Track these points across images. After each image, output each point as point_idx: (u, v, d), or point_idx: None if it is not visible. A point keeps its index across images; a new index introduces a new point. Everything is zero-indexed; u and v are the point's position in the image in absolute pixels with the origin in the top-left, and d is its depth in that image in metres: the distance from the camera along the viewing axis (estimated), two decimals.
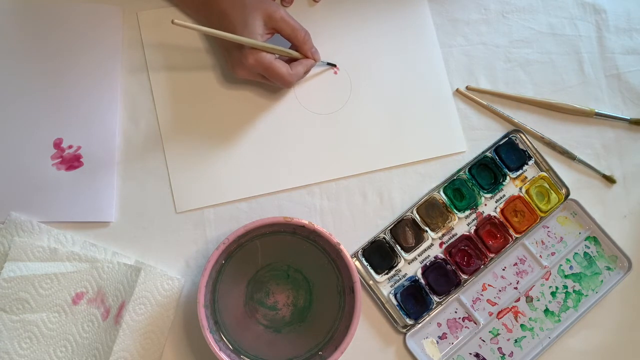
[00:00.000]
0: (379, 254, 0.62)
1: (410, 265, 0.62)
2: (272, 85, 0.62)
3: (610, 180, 0.68)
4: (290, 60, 0.61)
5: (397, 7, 0.69)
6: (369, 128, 0.66)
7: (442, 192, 0.64)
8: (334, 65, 0.66)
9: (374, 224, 0.63)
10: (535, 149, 0.66)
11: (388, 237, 0.62)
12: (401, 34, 0.68)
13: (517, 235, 0.64)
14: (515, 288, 0.64)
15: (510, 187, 0.65)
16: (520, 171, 0.65)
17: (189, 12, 0.64)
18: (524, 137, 0.66)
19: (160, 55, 0.64)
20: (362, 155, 0.65)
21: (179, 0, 0.64)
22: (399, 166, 0.65)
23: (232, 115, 0.63)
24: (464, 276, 0.62)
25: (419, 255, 0.63)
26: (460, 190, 0.65)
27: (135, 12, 0.64)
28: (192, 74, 0.64)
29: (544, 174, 0.66)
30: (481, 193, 0.65)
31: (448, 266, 0.62)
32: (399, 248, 0.62)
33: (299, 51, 0.62)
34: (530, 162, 0.66)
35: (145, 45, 0.64)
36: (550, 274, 0.65)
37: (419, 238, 0.63)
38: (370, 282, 0.62)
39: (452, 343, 0.62)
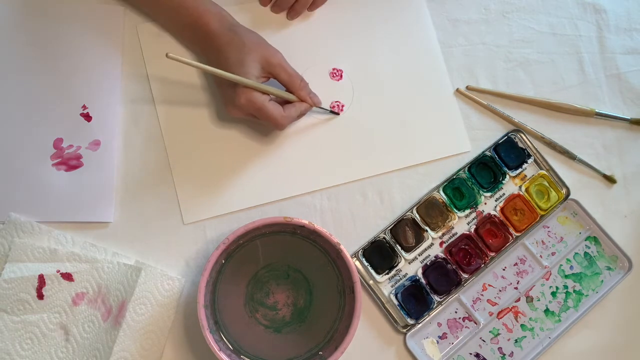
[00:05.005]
0: (379, 254, 0.62)
1: (410, 265, 0.62)
2: (264, 125, 0.61)
3: (610, 180, 0.68)
4: (285, 103, 0.60)
5: (396, 8, 0.69)
6: (373, 132, 0.65)
7: (441, 192, 0.64)
8: (337, 114, 0.65)
9: (374, 224, 0.63)
10: (535, 148, 0.66)
11: (388, 237, 0.62)
12: (401, 35, 0.68)
13: (517, 234, 0.64)
14: (516, 288, 0.64)
15: (510, 186, 0.65)
16: (520, 169, 0.65)
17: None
18: (523, 137, 0.66)
19: (160, 64, 0.64)
20: (367, 160, 0.65)
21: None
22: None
23: (234, 119, 0.63)
24: (465, 275, 0.62)
25: (419, 255, 0.63)
26: (460, 189, 0.65)
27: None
28: (193, 78, 0.64)
29: (544, 172, 0.66)
30: (481, 192, 0.65)
31: (448, 265, 0.62)
32: (399, 248, 0.62)
33: (296, 96, 0.60)
34: (530, 161, 0.66)
35: (146, 58, 0.63)
36: (550, 274, 0.65)
37: (419, 238, 0.63)
38: (371, 282, 0.62)
39: (453, 343, 0.62)
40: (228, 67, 0.56)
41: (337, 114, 0.65)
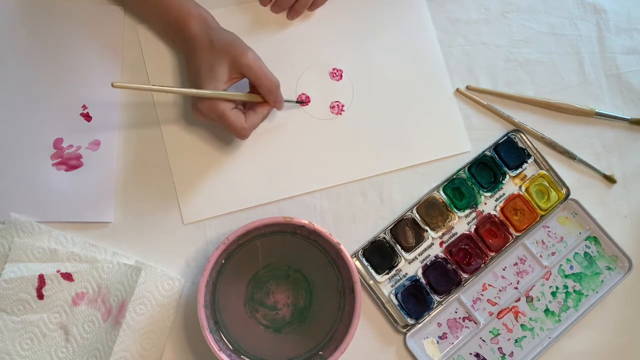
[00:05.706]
0: (379, 254, 0.62)
1: (410, 265, 0.62)
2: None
3: (610, 180, 0.68)
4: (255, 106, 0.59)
5: (396, 8, 0.69)
6: (373, 132, 0.65)
7: (441, 192, 0.64)
8: (303, 103, 0.65)
9: (374, 223, 0.63)
10: (535, 148, 0.66)
11: (388, 237, 0.62)
12: (401, 35, 0.68)
13: (517, 234, 0.64)
14: (516, 288, 0.64)
15: (510, 186, 0.65)
16: (520, 169, 0.65)
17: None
18: (523, 137, 0.66)
19: (160, 64, 0.64)
20: (367, 160, 0.65)
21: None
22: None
23: None
24: (465, 275, 0.62)
25: (419, 255, 0.63)
26: (460, 189, 0.65)
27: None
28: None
29: (544, 172, 0.66)
30: (481, 192, 0.65)
31: (449, 265, 0.62)
32: (399, 248, 0.62)
33: (264, 98, 0.59)
34: (530, 161, 0.66)
35: (146, 58, 0.63)
36: (550, 273, 0.65)
37: (419, 238, 0.63)
38: (371, 282, 0.62)
39: (453, 343, 0.62)
40: (198, 72, 0.56)
41: (305, 102, 0.65)
